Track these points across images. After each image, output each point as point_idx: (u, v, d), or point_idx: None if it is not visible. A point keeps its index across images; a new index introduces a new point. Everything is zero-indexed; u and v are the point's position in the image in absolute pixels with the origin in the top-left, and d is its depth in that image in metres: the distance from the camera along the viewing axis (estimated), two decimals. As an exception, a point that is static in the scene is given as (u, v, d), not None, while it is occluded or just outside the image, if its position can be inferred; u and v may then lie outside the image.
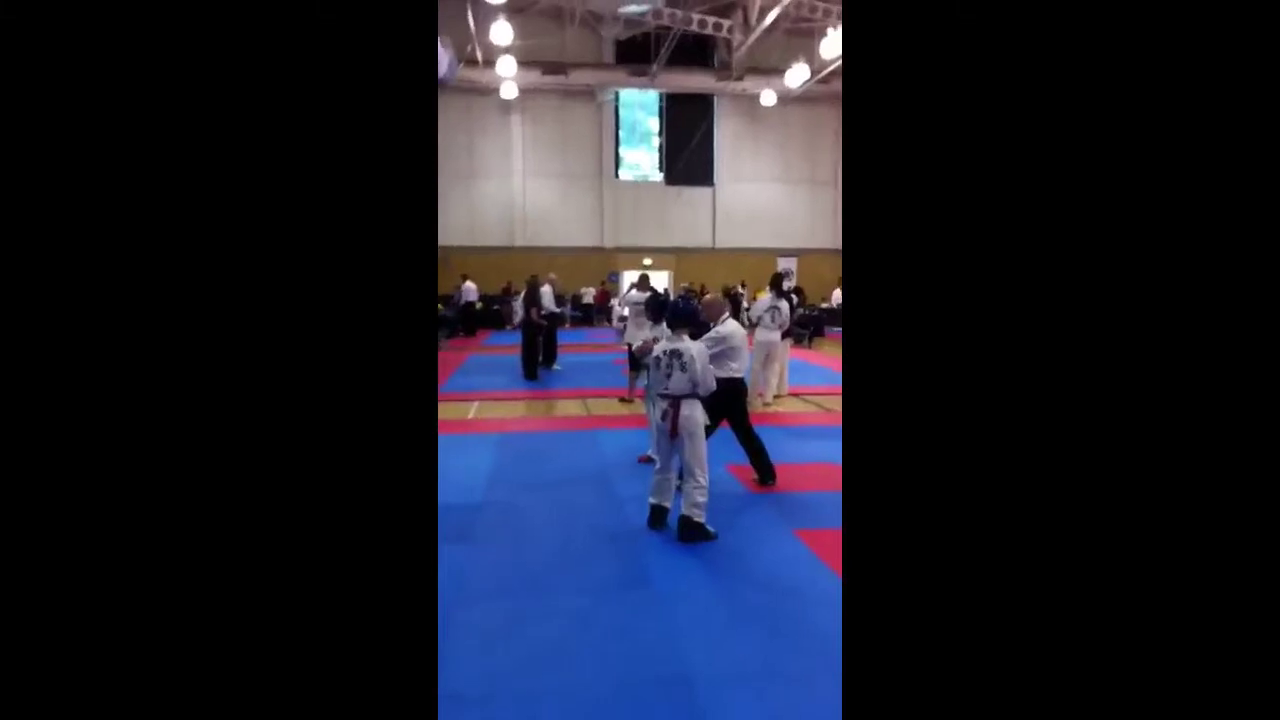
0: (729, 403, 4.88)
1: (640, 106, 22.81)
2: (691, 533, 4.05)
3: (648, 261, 22.73)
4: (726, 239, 23.10)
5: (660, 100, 22.66)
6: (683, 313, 4.38)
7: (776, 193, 23.25)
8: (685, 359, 4.07)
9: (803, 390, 9.05)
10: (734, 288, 15.96)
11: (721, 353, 4.78)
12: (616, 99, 22.36)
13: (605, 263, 21.85)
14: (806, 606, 3.34)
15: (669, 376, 4.10)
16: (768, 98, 20.94)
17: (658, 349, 4.27)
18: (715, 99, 22.43)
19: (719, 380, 4.46)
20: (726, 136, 22.92)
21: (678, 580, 3.57)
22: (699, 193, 23.04)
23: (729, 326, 4.89)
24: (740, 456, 5.83)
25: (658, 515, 4.32)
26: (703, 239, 23.14)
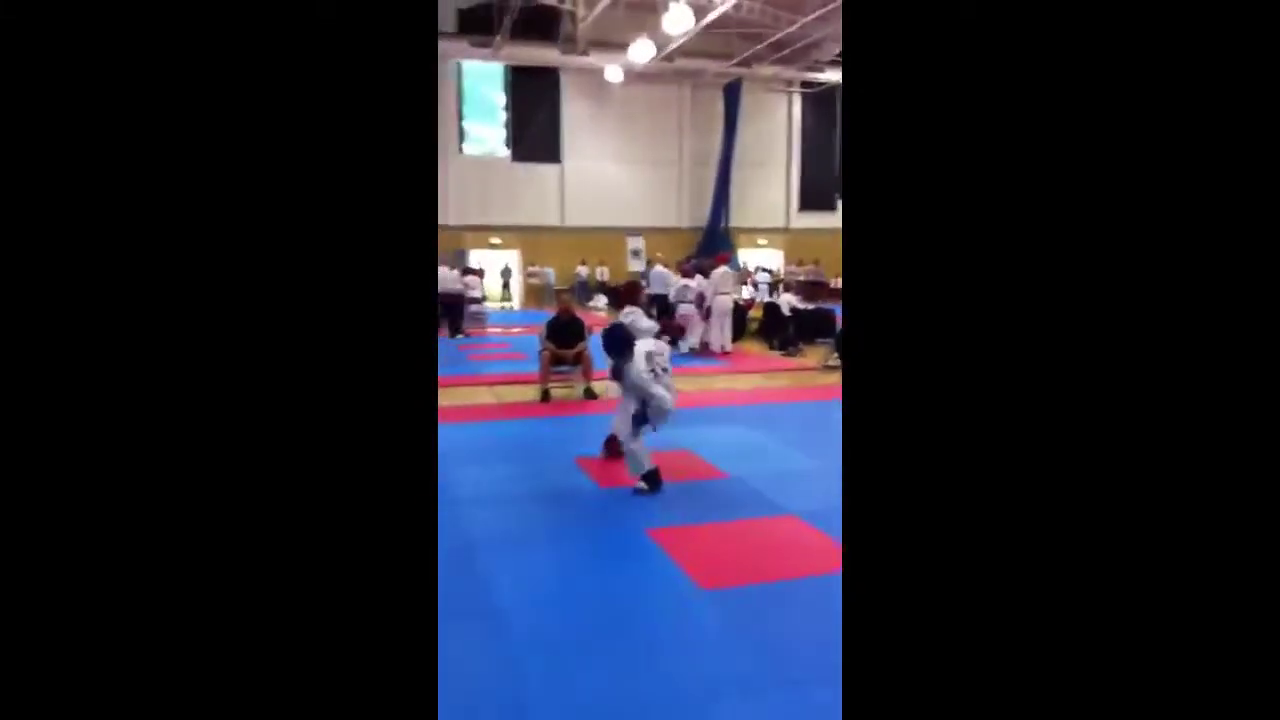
0: None
1: (485, 79, 21.99)
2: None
3: (495, 240, 22.08)
4: (575, 217, 22.75)
5: (506, 74, 21.93)
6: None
7: (623, 171, 23.12)
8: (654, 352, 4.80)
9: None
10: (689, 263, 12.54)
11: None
12: (459, 71, 21.45)
13: (452, 241, 21.00)
14: (662, 623, 3.12)
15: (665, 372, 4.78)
16: (613, 74, 20.70)
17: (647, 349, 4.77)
18: (561, 75, 21.95)
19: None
20: (573, 113, 22.52)
21: (520, 600, 3.26)
22: (546, 170, 22.55)
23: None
24: (588, 448, 5.62)
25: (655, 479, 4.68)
26: (551, 217, 22.70)
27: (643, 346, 4.73)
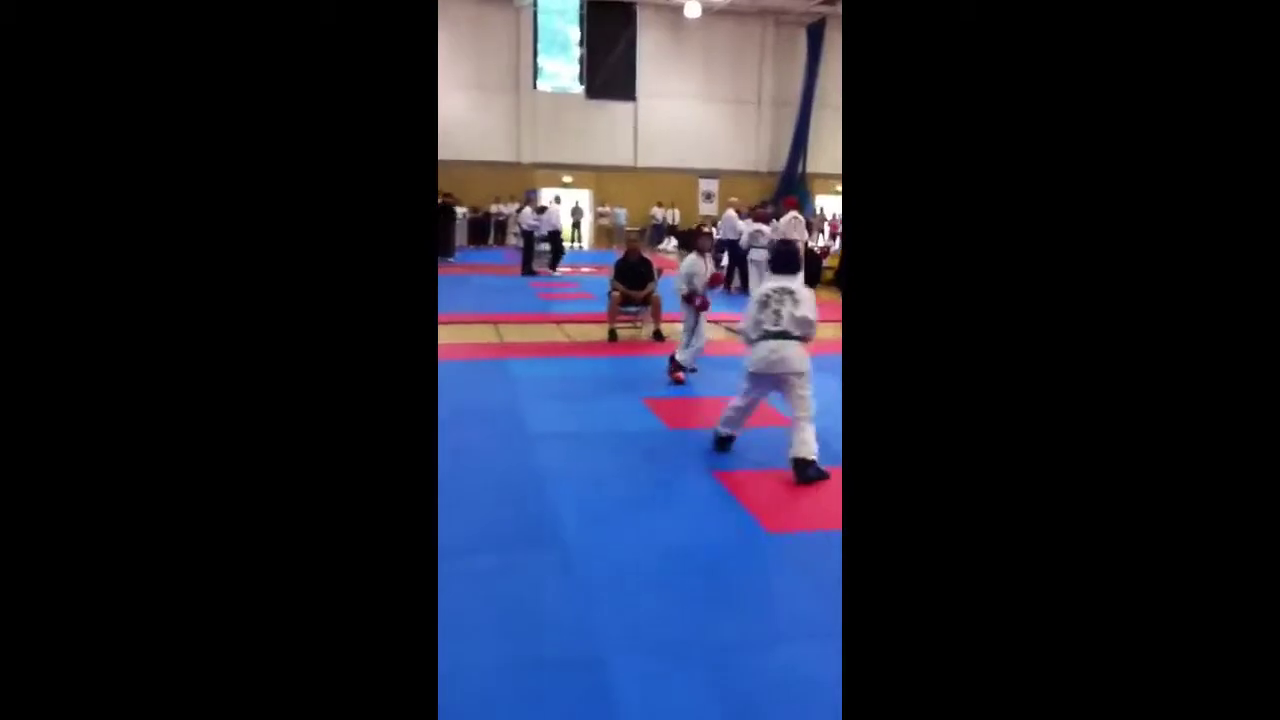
0: None
1: (560, 14, 21.68)
2: (808, 471, 3.88)
3: (567, 179, 22.01)
4: (648, 158, 22.47)
5: (581, 7, 21.56)
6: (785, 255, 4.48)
7: (699, 111, 22.67)
8: (798, 297, 4.05)
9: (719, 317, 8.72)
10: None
11: None
12: (535, 4, 21.17)
13: (522, 179, 21.00)
14: (728, 564, 3.11)
15: (779, 314, 4.01)
16: (692, 9, 20.16)
17: (766, 287, 4.20)
18: (638, 9, 21.48)
19: None
20: (649, 49, 22.07)
21: (589, 536, 3.30)
22: (620, 108, 22.25)
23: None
24: (655, 389, 5.63)
25: (726, 442, 4.30)
26: (624, 157, 22.47)
27: (773, 283, 4.20)
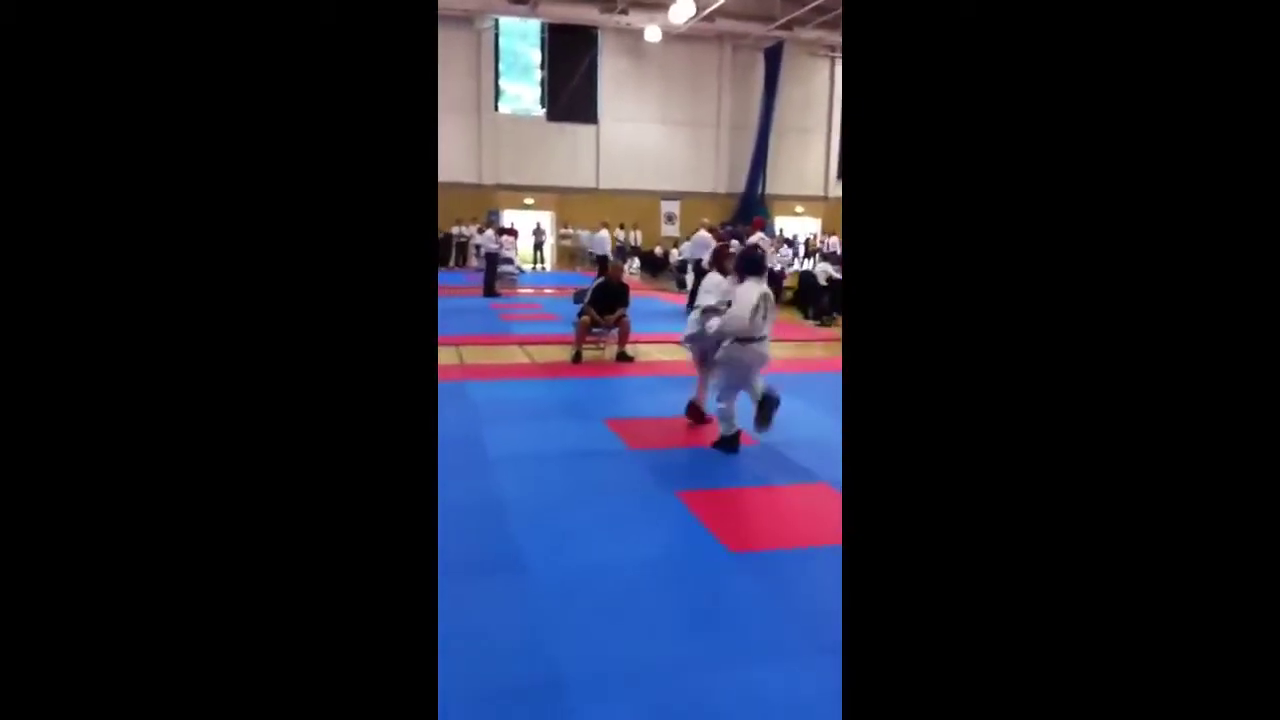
0: None
1: (521, 37, 21.76)
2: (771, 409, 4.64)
3: (529, 201, 22.00)
4: (610, 179, 22.56)
5: (542, 31, 21.67)
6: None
7: (660, 133, 22.85)
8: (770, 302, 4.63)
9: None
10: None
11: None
12: (496, 27, 21.23)
13: (484, 200, 20.95)
14: (691, 585, 3.10)
15: (765, 319, 4.60)
16: (652, 33, 20.37)
17: (757, 293, 4.53)
18: (599, 34, 21.64)
19: None
20: (611, 73, 22.23)
21: (550, 560, 3.26)
22: (582, 130, 22.34)
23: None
24: (618, 410, 5.61)
25: (734, 441, 4.72)
26: (586, 179, 22.53)
27: (760, 287, 4.58)
